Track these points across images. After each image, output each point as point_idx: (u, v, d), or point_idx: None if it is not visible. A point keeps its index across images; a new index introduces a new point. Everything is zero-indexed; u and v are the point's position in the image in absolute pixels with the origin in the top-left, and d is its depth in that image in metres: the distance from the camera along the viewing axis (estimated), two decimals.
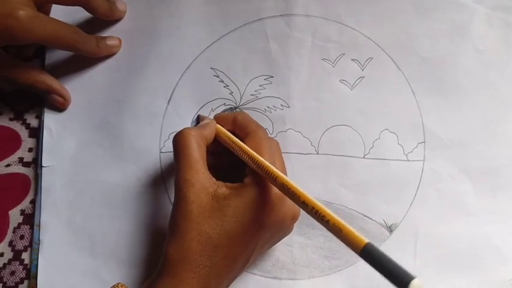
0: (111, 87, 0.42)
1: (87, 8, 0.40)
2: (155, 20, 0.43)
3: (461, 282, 0.38)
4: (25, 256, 0.40)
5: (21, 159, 0.42)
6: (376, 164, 0.39)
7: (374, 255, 0.23)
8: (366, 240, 0.23)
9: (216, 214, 0.31)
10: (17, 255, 0.40)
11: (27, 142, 0.42)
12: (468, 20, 0.41)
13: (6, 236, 0.40)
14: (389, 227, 0.39)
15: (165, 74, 0.42)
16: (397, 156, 0.40)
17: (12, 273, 0.39)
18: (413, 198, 0.39)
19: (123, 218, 0.39)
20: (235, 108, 0.41)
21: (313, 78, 0.41)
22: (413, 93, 0.40)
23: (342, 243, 0.25)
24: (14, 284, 0.39)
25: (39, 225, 0.40)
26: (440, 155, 0.39)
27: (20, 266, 0.39)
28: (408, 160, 0.40)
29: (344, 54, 0.41)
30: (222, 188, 0.32)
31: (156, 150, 0.40)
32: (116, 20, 0.43)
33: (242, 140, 0.34)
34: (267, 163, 0.31)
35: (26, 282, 0.39)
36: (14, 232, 0.40)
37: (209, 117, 0.40)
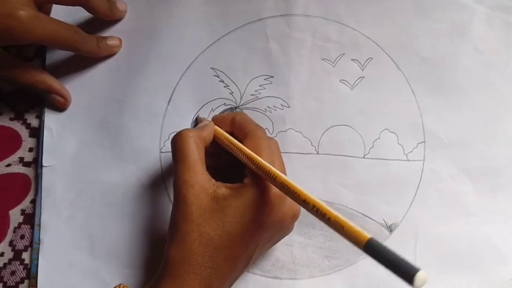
0: (112, 87, 0.42)
1: (88, 8, 0.40)
2: (155, 20, 0.43)
3: (461, 282, 0.38)
4: (25, 256, 0.40)
5: (21, 159, 0.42)
6: (376, 164, 0.39)
7: (378, 250, 0.23)
8: (369, 235, 0.23)
9: (216, 215, 0.31)
10: (17, 255, 0.40)
11: (28, 142, 0.42)
12: (468, 20, 0.41)
13: (7, 236, 0.40)
14: (390, 226, 0.39)
15: (165, 74, 0.42)
16: (397, 156, 0.40)
17: (13, 273, 0.39)
18: (413, 198, 0.39)
19: (123, 218, 0.39)
20: (236, 108, 0.41)
21: (313, 78, 0.41)
22: (413, 93, 0.40)
23: (344, 242, 0.25)
24: (14, 284, 0.39)
25: (39, 225, 0.40)
26: (440, 155, 0.39)
27: (20, 266, 0.39)
28: (408, 160, 0.40)
29: (344, 54, 0.41)
30: (222, 189, 0.32)
31: (156, 150, 0.41)
32: (116, 20, 0.43)
33: (241, 141, 0.34)
34: (266, 163, 0.31)
35: (26, 282, 0.39)
36: (14, 232, 0.40)
37: (208, 118, 0.40)
